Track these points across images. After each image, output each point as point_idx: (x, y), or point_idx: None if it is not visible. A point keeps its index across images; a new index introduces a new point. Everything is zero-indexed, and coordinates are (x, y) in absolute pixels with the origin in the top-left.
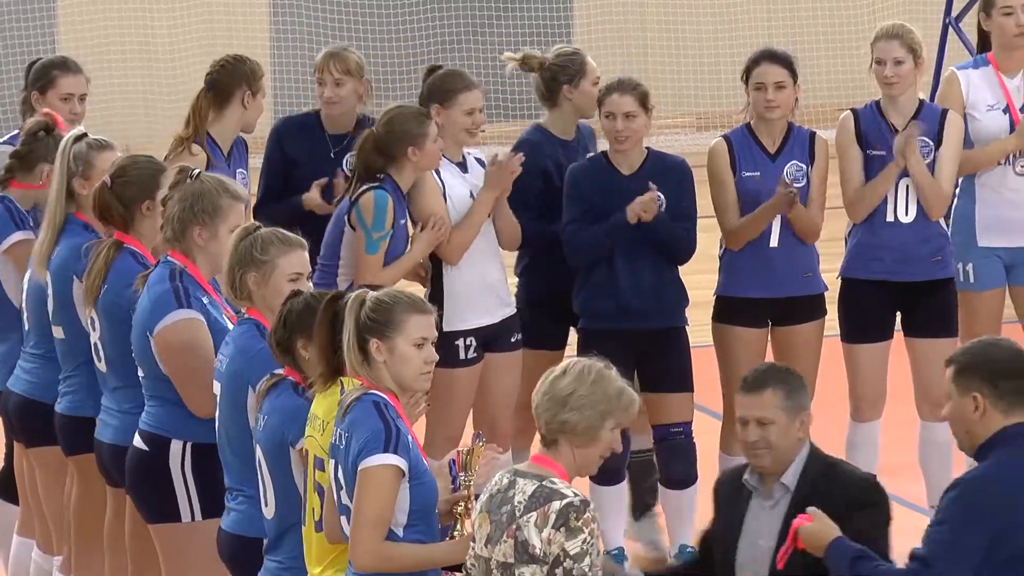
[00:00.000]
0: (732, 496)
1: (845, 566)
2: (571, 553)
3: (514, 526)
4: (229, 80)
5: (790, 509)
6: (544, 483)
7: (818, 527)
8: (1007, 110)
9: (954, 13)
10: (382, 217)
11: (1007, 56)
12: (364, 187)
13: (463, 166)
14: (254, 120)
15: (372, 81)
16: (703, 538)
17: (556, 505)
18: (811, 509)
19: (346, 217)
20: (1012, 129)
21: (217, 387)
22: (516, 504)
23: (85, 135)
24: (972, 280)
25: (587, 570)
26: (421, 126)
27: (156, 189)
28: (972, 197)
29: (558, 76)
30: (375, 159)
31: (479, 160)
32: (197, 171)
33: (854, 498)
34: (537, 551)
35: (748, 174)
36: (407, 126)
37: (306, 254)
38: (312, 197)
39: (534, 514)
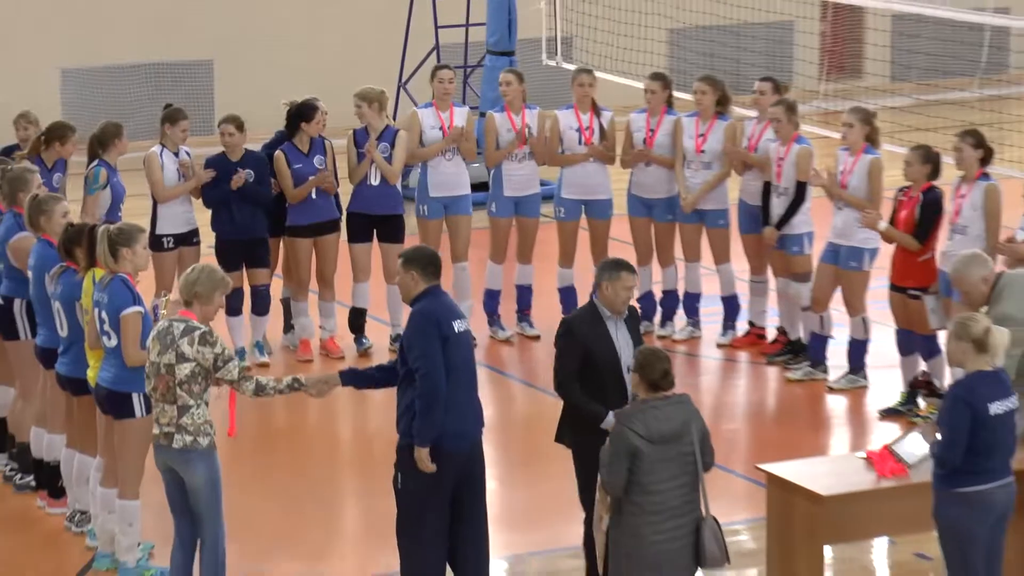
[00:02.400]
0: (591, 327)
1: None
2: (217, 353)
3: (175, 345)
4: (51, 137)
5: (625, 324)
6: (188, 323)
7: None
8: (441, 129)
9: (404, 79)
10: (96, 178)
11: (440, 102)
12: (90, 166)
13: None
14: (66, 155)
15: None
16: (581, 362)
17: (196, 334)
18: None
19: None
20: (442, 137)
21: (30, 274)
22: (175, 334)
23: None
24: (426, 213)
25: (228, 355)
26: (118, 130)
27: None
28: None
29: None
30: (96, 147)
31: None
32: (11, 165)
33: (638, 319)
34: (188, 356)
35: (297, 166)
36: (112, 130)
37: (67, 203)
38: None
39: (186, 338)
